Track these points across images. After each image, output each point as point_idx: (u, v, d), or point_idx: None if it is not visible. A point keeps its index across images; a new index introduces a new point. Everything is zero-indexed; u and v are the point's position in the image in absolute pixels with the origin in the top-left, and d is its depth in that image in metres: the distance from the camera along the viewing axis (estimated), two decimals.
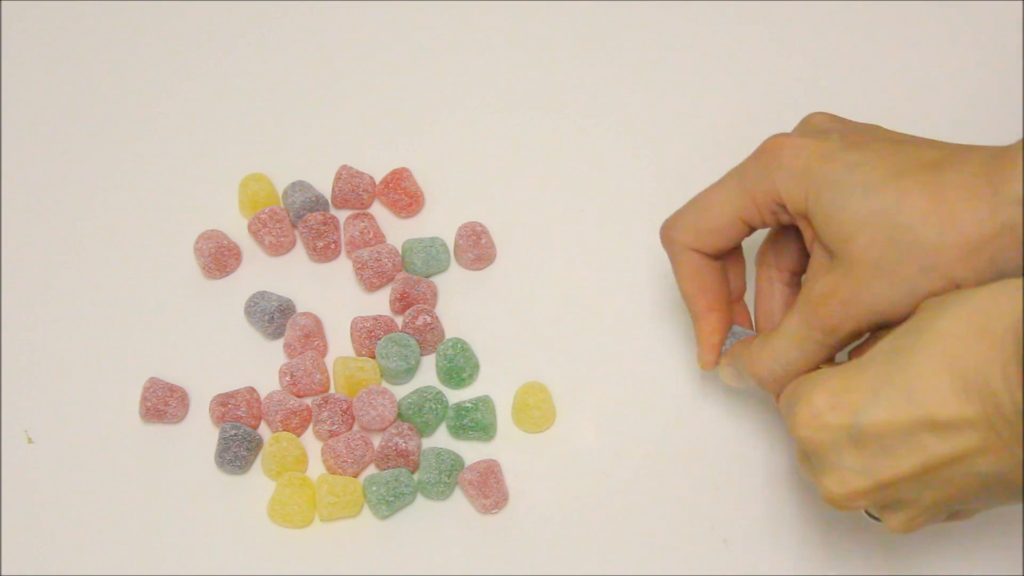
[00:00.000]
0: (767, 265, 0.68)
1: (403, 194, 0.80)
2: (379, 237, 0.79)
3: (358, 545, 0.71)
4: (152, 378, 0.75)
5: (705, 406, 0.75)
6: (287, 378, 0.75)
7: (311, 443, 0.74)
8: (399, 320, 0.77)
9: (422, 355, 0.76)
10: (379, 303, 0.78)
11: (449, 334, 0.76)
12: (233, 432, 0.72)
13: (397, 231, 0.80)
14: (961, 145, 0.60)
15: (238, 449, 0.72)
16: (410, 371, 0.75)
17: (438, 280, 0.79)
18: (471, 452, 0.73)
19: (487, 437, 0.74)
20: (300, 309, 0.78)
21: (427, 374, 0.76)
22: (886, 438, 0.55)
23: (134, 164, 0.83)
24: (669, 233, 0.67)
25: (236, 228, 0.80)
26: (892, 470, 0.55)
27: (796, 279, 0.69)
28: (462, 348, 0.75)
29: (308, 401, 0.75)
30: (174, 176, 0.83)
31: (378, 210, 0.81)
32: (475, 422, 0.73)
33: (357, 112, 0.85)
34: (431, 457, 0.72)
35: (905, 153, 0.60)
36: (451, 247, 0.79)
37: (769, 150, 0.62)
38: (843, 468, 0.56)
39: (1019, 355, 0.51)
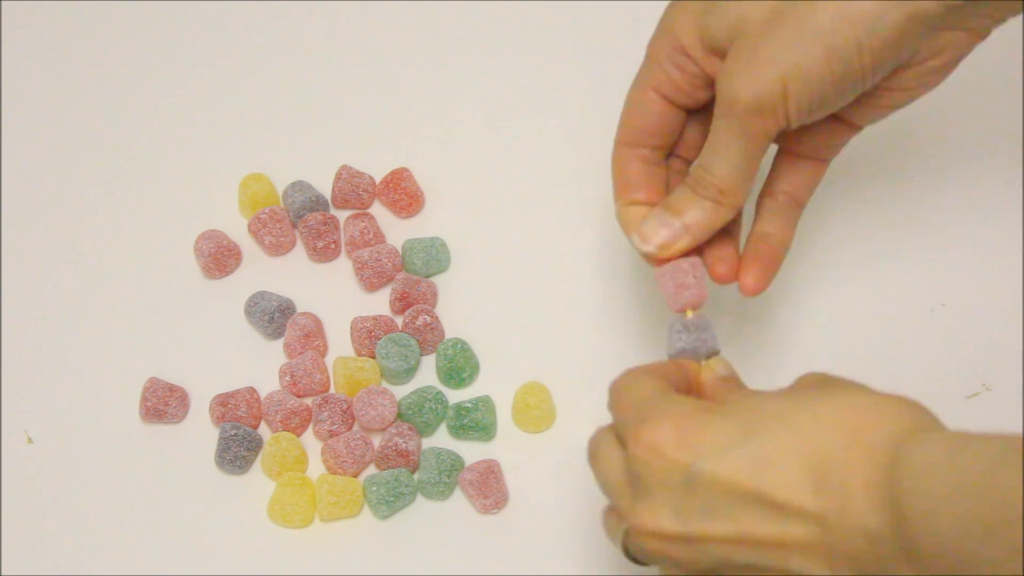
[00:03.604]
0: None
1: (403, 194, 0.80)
2: (379, 237, 0.79)
3: (358, 545, 0.71)
4: (152, 378, 0.75)
5: None
6: (287, 378, 0.75)
7: (311, 443, 0.74)
8: (399, 320, 0.77)
9: (422, 355, 0.76)
10: (379, 303, 0.78)
11: (449, 334, 0.76)
12: (233, 432, 0.72)
13: (397, 231, 0.80)
14: None
15: (238, 449, 0.72)
16: (410, 371, 0.75)
17: (438, 280, 0.79)
18: (471, 452, 0.73)
19: (487, 437, 0.74)
20: (300, 309, 0.78)
21: (427, 374, 0.76)
22: (714, 496, 0.52)
23: (134, 164, 0.83)
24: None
25: (236, 228, 0.80)
26: (706, 528, 0.53)
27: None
28: (462, 348, 0.75)
29: (308, 401, 0.75)
30: (174, 176, 0.83)
31: (378, 210, 0.81)
32: (475, 422, 0.73)
33: (357, 112, 0.85)
34: (431, 457, 0.72)
35: None
36: (451, 247, 0.79)
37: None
38: (661, 504, 0.54)
39: (891, 477, 0.48)
